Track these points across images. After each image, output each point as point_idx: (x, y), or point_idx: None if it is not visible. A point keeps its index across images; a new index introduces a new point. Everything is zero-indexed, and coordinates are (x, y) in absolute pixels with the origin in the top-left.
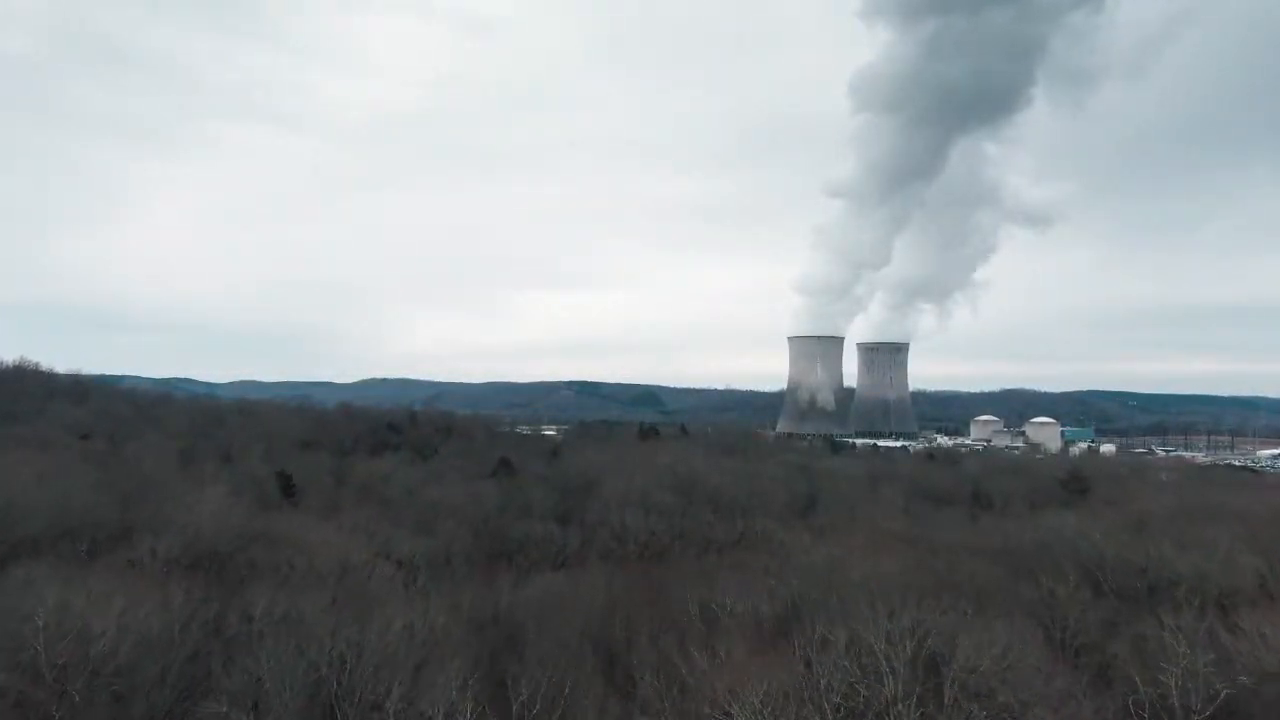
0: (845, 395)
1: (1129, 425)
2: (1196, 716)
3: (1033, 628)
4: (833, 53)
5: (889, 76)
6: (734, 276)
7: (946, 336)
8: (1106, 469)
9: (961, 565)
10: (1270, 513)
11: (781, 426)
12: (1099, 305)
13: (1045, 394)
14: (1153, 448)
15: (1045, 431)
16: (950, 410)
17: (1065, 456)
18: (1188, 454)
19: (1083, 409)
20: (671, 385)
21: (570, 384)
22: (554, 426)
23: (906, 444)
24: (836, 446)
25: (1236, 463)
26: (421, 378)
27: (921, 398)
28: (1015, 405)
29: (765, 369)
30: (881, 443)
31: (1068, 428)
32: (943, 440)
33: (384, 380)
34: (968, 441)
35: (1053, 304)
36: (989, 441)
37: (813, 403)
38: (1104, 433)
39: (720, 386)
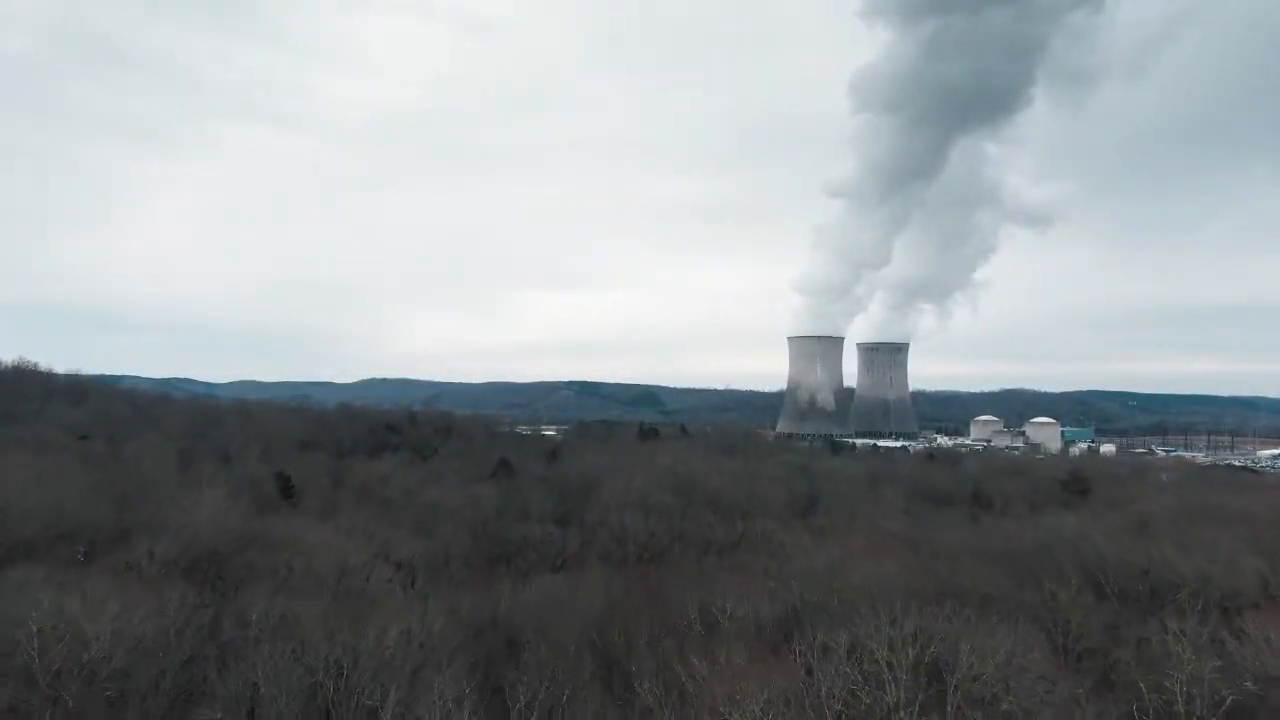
0: (845, 395)
1: (1129, 425)
2: None
3: (1035, 632)
4: (833, 53)
5: (889, 76)
6: (734, 276)
7: (946, 336)
8: (1107, 469)
9: (963, 568)
10: (1272, 514)
11: (781, 427)
12: (1099, 305)
13: (1045, 394)
14: (1153, 448)
15: (1045, 431)
16: (950, 410)
17: (1065, 457)
18: (1188, 454)
19: (1083, 409)
20: (671, 385)
21: (570, 384)
22: (554, 427)
23: (906, 444)
24: (836, 447)
25: (1236, 463)
26: (421, 378)
27: (921, 398)
28: (1015, 405)
29: (765, 369)
30: (881, 443)
31: (1068, 428)
32: (943, 440)
33: (384, 380)
34: (968, 441)
35: (1053, 304)
36: (989, 442)
37: (813, 403)
38: (1104, 433)
39: (720, 386)
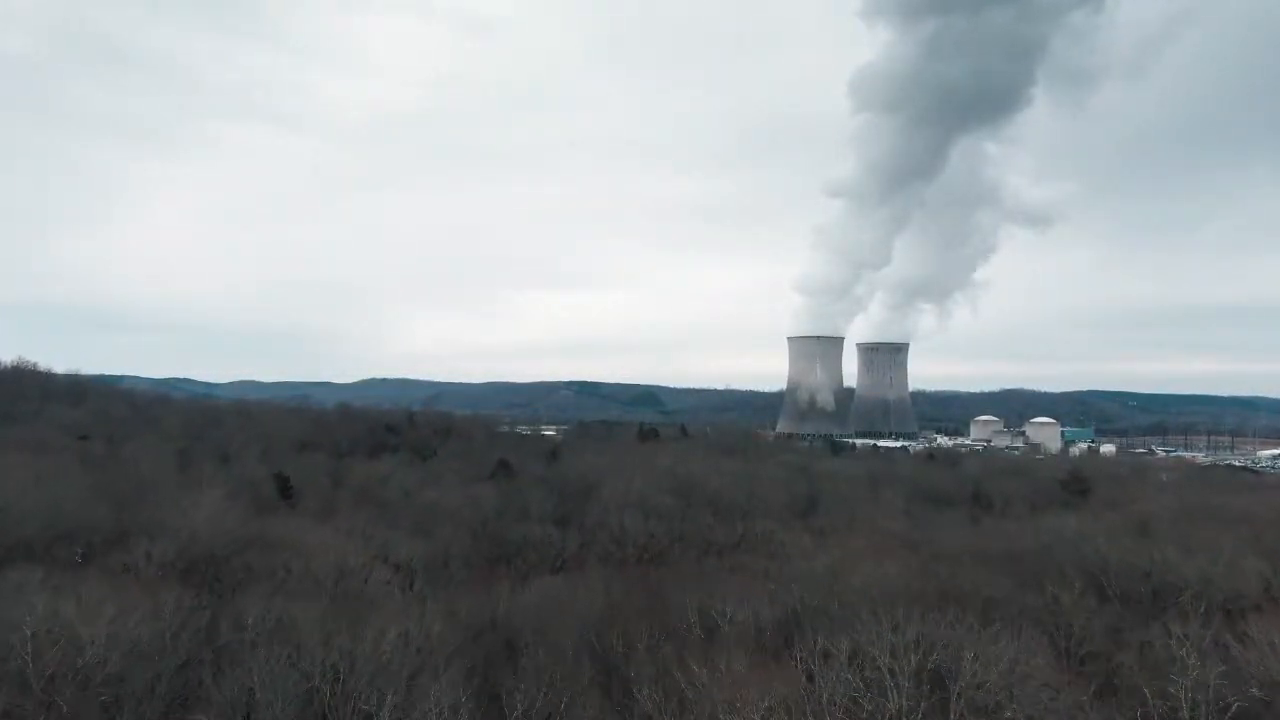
0: (845, 395)
1: (1129, 425)
2: None
3: (1038, 637)
4: (833, 53)
5: (889, 76)
6: (734, 276)
7: (946, 336)
8: (1107, 470)
9: (964, 571)
10: (1273, 515)
11: (781, 427)
12: (1099, 305)
13: (1045, 394)
14: (1153, 448)
15: (1045, 432)
16: (950, 410)
17: (1065, 457)
18: (1188, 454)
19: (1083, 409)
20: (671, 385)
21: (570, 384)
22: (553, 427)
23: (906, 444)
24: (836, 447)
25: (1237, 463)
26: (421, 378)
27: (921, 398)
28: (1015, 405)
29: (765, 369)
30: (881, 443)
31: (1068, 428)
32: (943, 440)
33: (384, 380)
34: (968, 442)
35: (1053, 304)
36: (989, 442)
37: (812, 403)
38: (1104, 433)
39: (720, 386)
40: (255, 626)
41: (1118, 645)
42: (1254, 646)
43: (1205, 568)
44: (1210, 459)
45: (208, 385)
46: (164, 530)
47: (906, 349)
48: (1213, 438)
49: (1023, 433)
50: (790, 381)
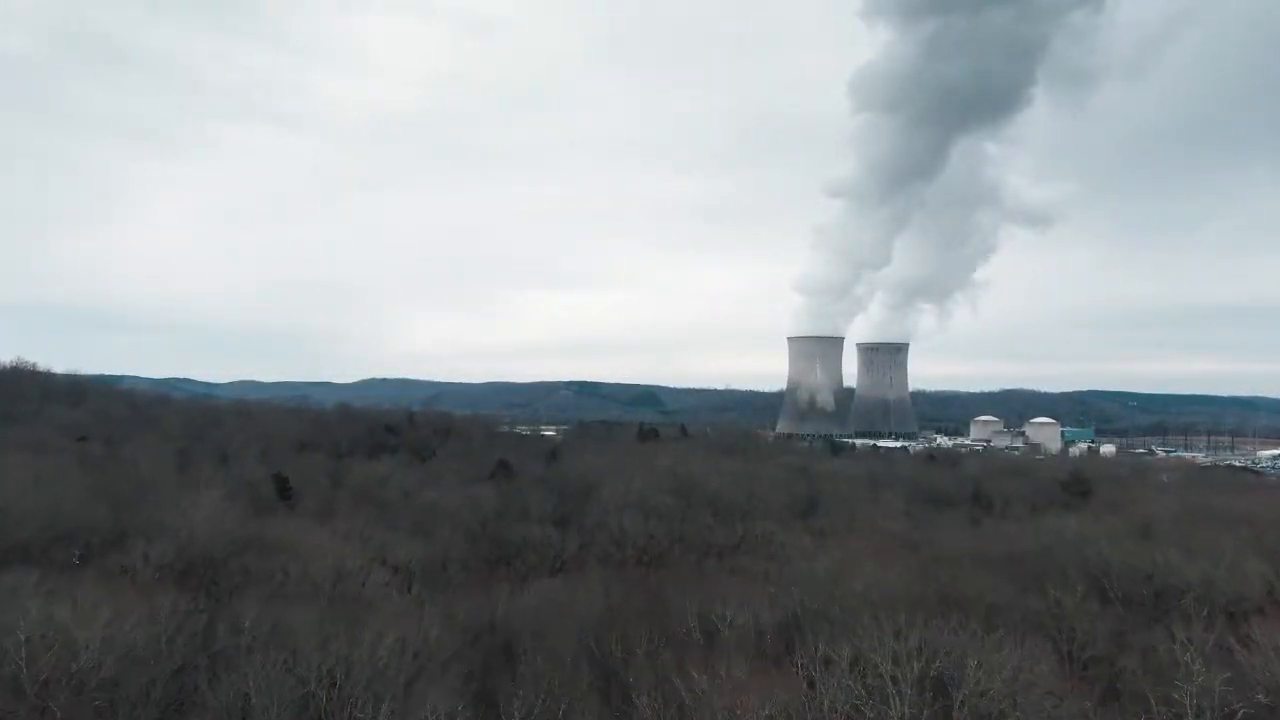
0: (845, 395)
1: (1129, 425)
2: None
3: (1041, 642)
4: (833, 53)
5: (889, 76)
6: (734, 276)
7: (946, 336)
8: (1107, 470)
9: (966, 574)
10: (1274, 516)
11: (781, 427)
12: (1099, 305)
13: (1045, 394)
14: (1153, 448)
15: (1045, 432)
16: (950, 410)
17: (1065, 457)
18: (1188, 455)
19: (1083, 409)
20: (671, 385)
21: (570, 384)
22: (553, 427)
23: (906, 444)
24: (836, 447)
25: (1237, 463)
26: (421, 378)
27: (921, 398)
28: (1015, 405)
29: (765, 369)
30: (881, 443)
31: (1068, 428)
32: (943, 441)
33: (384, 380)
34: (968, 442)
35: (1053, 304)
36: (989, 442)
37: (812, 403)
38: (1104, 433)
39: (720, 386)
40: (251, 631)
41: (1121, 649)
42: (1258, 651)
43: (1207, 570)
44: (1210, 459)
45: (208, 385)
46: (162, 531)
47: (906, 349)
48: (1213, 438)
49: (1023, 433)
50: (790, 382)
